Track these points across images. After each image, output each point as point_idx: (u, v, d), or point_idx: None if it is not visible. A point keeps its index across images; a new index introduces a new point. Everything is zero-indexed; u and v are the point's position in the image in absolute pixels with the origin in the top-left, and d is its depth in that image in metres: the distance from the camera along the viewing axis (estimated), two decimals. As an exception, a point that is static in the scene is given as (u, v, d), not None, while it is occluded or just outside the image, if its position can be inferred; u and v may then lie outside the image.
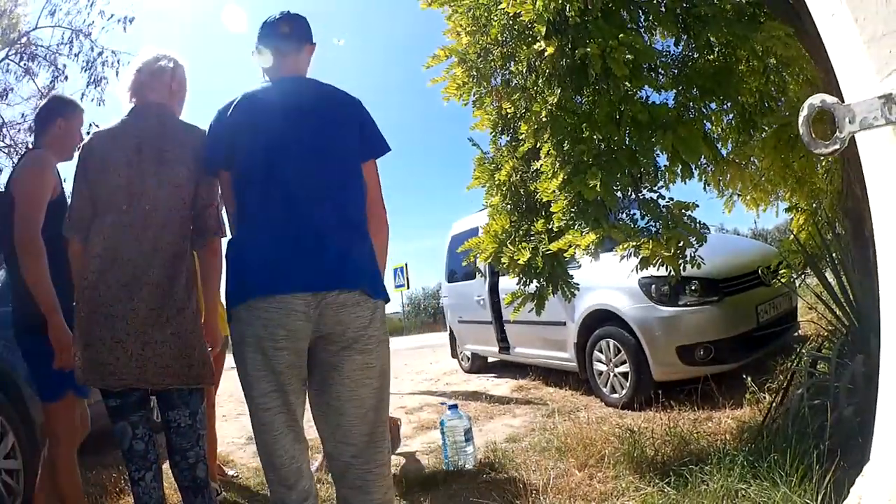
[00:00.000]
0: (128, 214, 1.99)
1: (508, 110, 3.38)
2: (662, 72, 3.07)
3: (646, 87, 2.96)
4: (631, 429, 3.55)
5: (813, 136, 0.96)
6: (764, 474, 2.34)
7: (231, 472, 4.02)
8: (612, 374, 5.00)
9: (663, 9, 3.00)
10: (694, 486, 2.52)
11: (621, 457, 3.18)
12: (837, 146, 0.92)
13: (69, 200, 2.17)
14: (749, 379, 3.87)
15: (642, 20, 3.11)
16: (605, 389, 5.09)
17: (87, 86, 12.09)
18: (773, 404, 3.21)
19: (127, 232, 1.98)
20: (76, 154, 2.17)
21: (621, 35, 2.62)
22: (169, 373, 1.97)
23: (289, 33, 1.99)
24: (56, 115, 2.64)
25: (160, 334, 1.96)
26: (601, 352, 5.12)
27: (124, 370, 1.95)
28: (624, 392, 4.86)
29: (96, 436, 4.10)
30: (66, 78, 12.14)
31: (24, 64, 12.33)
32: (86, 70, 12.20)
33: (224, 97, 1.97)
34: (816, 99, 0.95)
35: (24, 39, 12.12)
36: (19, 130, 12.16)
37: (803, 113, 0.97)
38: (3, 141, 12.08)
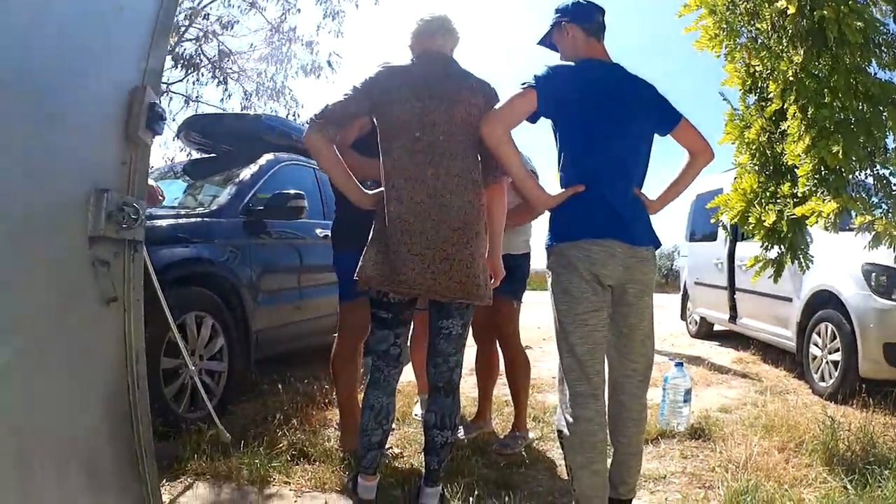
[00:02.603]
0: (419, 141, 2.15)
1: (756, 68, 3.23)
2: (885, 50, 2.82)
3: (872, 61, 2.76)
4: (832, 418, 3.42)
5: None
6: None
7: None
8: (824, 361, 4.77)
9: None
10: (871, 490, 2.49)
11: (818, 445, 3.14)
12: None
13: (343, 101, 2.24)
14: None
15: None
16: (815, 375, 4.89)
17: (324, 18, 12.70)
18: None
19: (419, 157, 2.15)
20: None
21: (850, 2, 2.48)
22: (459, 288, 2.16)
23: (602, 23, 2.28)
24: None
25: (459, 253, 2.14)
26: (819, 335, 4.87)
27: (418, 280, 2.13)
28: (831, 382, 4.61)
29: (308, 351, 4.74)
30: (298, 10, 12.79)
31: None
32: (320, 3, 12.67)
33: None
34: None
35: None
36: (248, 59, 13.03)
37: None
38: (230, 68, 12.95)
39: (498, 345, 3.35)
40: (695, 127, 2.31)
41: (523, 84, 2.12)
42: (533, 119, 2.16)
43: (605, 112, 2.13)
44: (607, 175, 2.13)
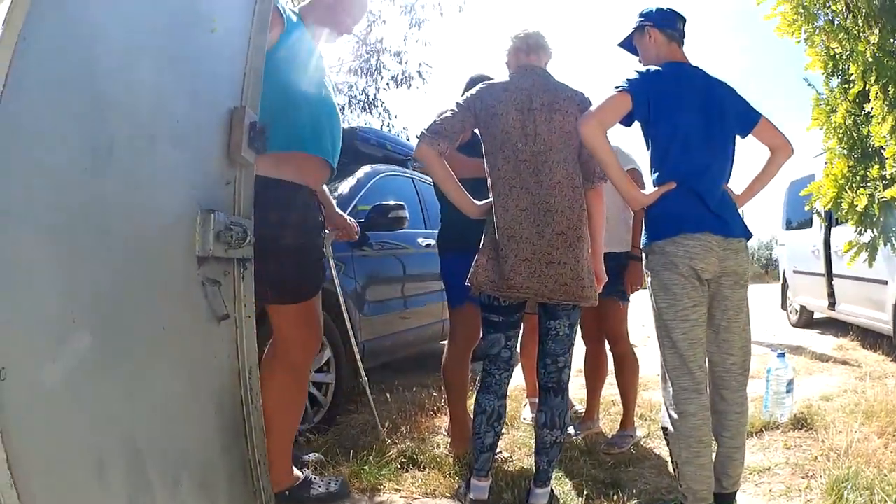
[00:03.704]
0: (523, 151, 2.28)
1: (836, 50, 3.22)
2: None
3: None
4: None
5: None
6: None
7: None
8: None
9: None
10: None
11: None
12: None
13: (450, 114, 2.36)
14: None
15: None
16: None
17: (410, 27, 12.57)
18: None
19: (523, 166, 2.27)
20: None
21: None
22: (565, 290, 2.24)
23: (683, 31, 2.40)
24: None
25: (564, 256, 2.24)
26: None
27: (525, 284, 2.23)
28: None
29: (416, 359, 4.81)
30: (384, 21, 12.52)
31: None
32: (405, 13, 12.61)
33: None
34: None
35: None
36: (338, 72, 12.64)
37: None
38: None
39: (607, 345, 3.41)
40: (773, 124, 2.38)
41: (617, 87, 2.22)
42: (627, 121, 2.27)
43: (694, 113, 2.22)
44: (698, 172, 2.21)
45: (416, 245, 4.59)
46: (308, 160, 2.29)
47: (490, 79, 2.86)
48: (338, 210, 2.97)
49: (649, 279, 2.26)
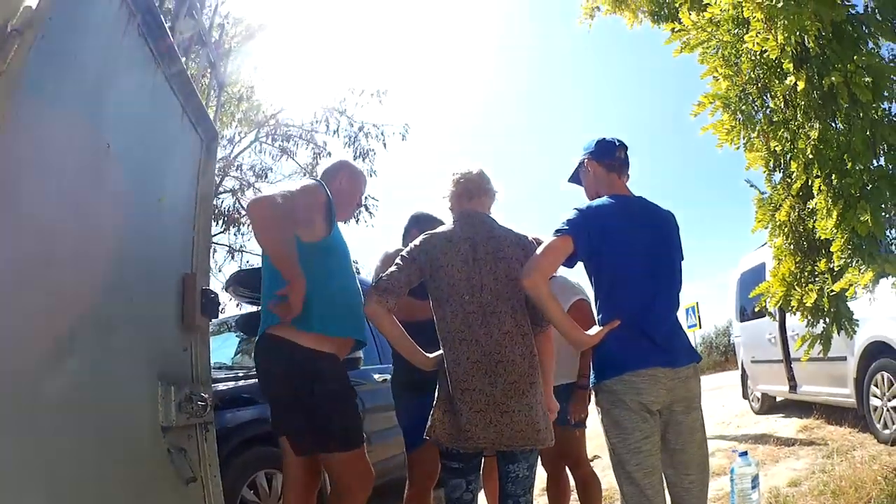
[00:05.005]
0: (470, 304, 2.28)
1: (776, 147, 3.34)
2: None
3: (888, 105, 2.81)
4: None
5: None
6: None
7: None
8: (885, 409, 4.87)
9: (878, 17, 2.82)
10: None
11: (885, 499, 3.25)
12: None
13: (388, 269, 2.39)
14: None
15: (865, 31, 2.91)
16: (878, 425, 4.98)
17: (355, 159, 12.01)
18: None
19: (471, 318, 2.27)
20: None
21: (855, 57, 2.57)
22: (521, 437, 2.23)
23: (624, 159, 2.44)
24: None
25: (517, 405, 2.22)
26: (877, 386, 4.99)
27: (482, 435, 2.22)
28: (894, 427, 4.74)
29: (383, 487, 4.63)
30: (328, 154, 12.29)
31: (280, 144, 12.53)
32: (349, 145, 12.47)
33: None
34: None
35: (272, 122, 12.38)
36: None
37: None
38: None
39: (567, 469, 3.40)
40: None
41: (557, 231, 2.22)
42: (570, 263, 2.27)
43: (636, 246, 2.25)
44: (643, 308, 2.22)
45: (372, 381, 4.64)
46: (346, 340, 2.56)
47: (434, 218, 2.94)
48: None
49: (600, 416, 2.26)
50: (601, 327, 2.22)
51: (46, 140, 1.32)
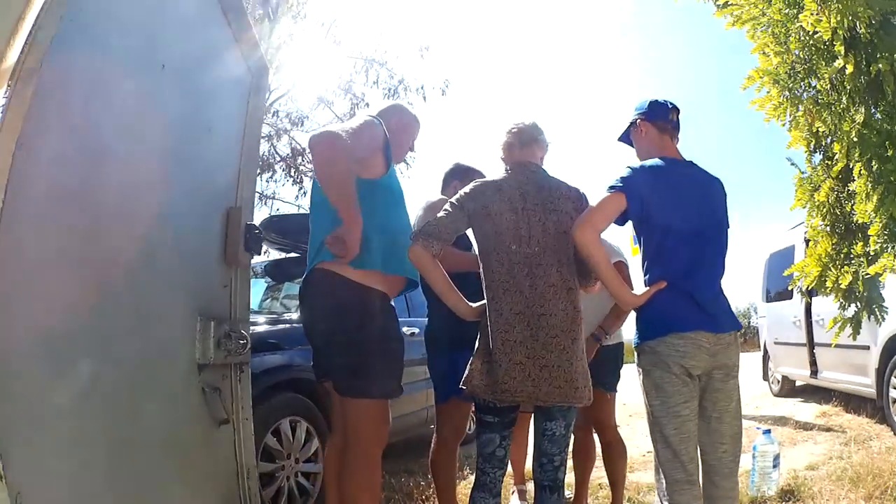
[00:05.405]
0: (517, 254, 2.23)
1: (820, 128, 3.31)
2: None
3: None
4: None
5: None
6: None
7: None
8: None
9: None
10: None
11: None
12: None
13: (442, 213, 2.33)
14: None
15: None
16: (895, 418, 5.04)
17: None
18: None
19: (516, 269, 2.22)
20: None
21: None
22: (559, 393, 2.19)
23: (676, 122, 2.45)
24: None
25: (558, 359, 2.18)
26: None
27: (519, 388, 2.17)
28: None
29: (403, 443, 4.68)
30: (367, 105, 12.47)
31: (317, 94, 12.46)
32: (388, 96, 12.61)
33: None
34: None
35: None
36: None
37: None
38: (304, 165, 12.57)
39: (594, 431, 3.43)
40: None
41: (611, 187, 2.22)
42: (622, 221, 2.27)
43: (686, 210, 2.25)
44: (690, 271, 2.22)
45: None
46: (397, 280, 2.44)
47: (475, 170, 2.90)
48: None
49: (641, 377, 2.28)
50: (648, 287, 2.24)
51: (100, 51, 1.27)
